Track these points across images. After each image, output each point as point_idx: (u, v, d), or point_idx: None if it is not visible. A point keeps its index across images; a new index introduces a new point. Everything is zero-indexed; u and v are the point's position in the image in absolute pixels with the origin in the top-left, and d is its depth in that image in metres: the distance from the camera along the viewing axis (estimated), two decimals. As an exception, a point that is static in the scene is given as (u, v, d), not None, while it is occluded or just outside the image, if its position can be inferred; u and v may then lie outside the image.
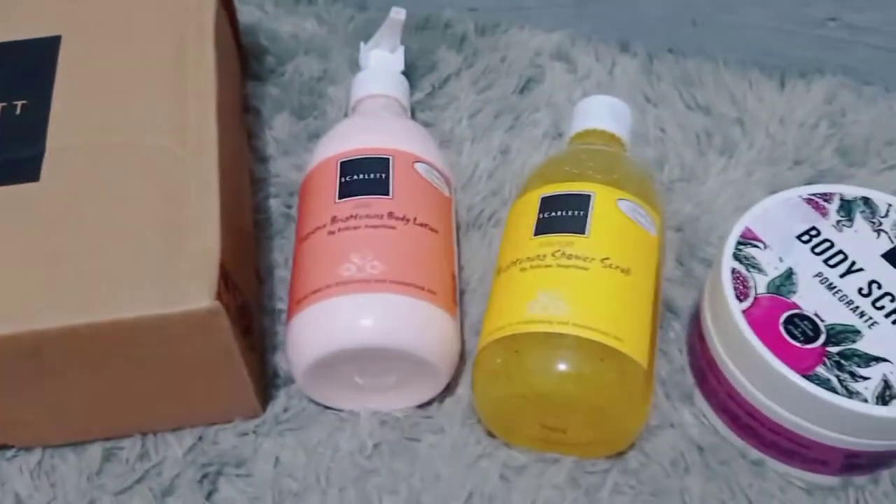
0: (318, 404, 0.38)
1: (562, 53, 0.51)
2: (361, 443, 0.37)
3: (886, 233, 0.36)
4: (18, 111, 0.36)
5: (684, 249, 0.43)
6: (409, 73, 0.49)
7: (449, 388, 0.38)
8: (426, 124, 0.48)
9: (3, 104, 0.36)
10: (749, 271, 0.35)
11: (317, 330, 0.34)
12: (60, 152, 0.35)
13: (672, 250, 0.43)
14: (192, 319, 0.31)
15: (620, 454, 0.36)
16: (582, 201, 0.37)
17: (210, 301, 0.31)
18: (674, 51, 0.50)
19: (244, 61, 0.50)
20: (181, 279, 0.31)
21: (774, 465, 0.36)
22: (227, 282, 0.35)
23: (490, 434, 0.37)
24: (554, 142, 0.47)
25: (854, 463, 0.34)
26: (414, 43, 0.50)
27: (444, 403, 0.38)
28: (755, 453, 0.36)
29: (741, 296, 0.34)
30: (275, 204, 0.45)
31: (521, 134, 0.47)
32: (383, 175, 0.37)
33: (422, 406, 0.38)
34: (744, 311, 0.33)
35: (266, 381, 0.39)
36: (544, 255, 0.35)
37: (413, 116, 0.48)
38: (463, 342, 0.39)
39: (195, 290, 0.31)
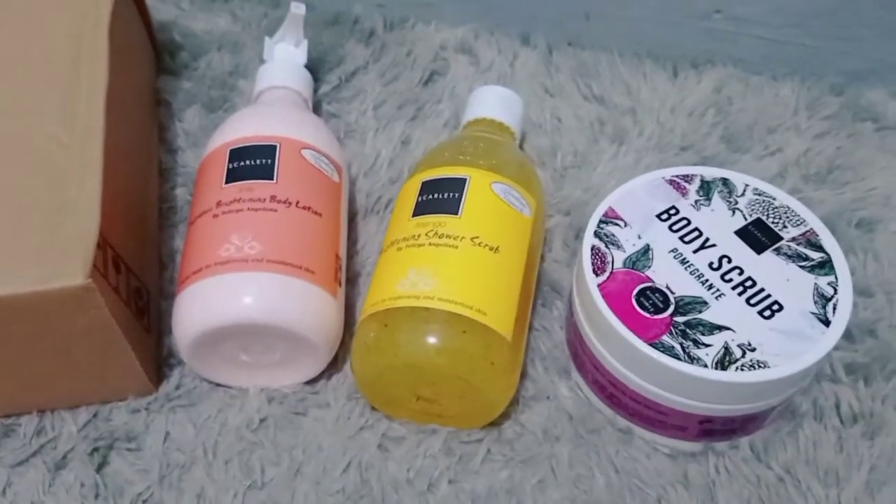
0: (210, 382, 0.40)
1: (465, 47, 0.52)
2: (249, 418, 0.38)
3: (741, 211, 0.38)
4: (-87, 101, 0.37)
5: (570, 233, 0.45)
6: (318, 66, 0.51)
7: (336, 365, 0.40)
8: (332, 115, 0.50)
9: None
10: (608, 248, 0.36)
11: (195, 308, 0.36)
12: (-49, 139, 0.36)
13: (560, 233, 0.45)
14: (67, 296, 0.33)
15: (497, 425, 0.38)
16: (457, 184, 0.38)
17: (83, 279, 0.32)
18: (573, 44, 0.52)
19: (158, 56, 0.52)
20: (58, 258, 0.33)
21: (641, 433, 0.38)
22: (117, 264, 0.37)
23: (374, 409, 0.39)
24: (454, 131, 0.49)
25: (710, 428, 0.36)
26: (324, 38, 0.52)
27: (331, 380, 0.40)
28: (623, 422, 0.38)
29: (598, 270, 0.36)
30: (181, 193, 0.46)
31: (422, 124, 0.49)
32: (269, 161, 0.39)
33: (310, 382, 0.40)
34: (599, 285, 0.35)
35: (160, 361, 0.40)
36: (418, 235, 0.37)
37: (319, 108, 0.50)
38: (353, 322, 0.41)
39: (70, 269, 0.32)
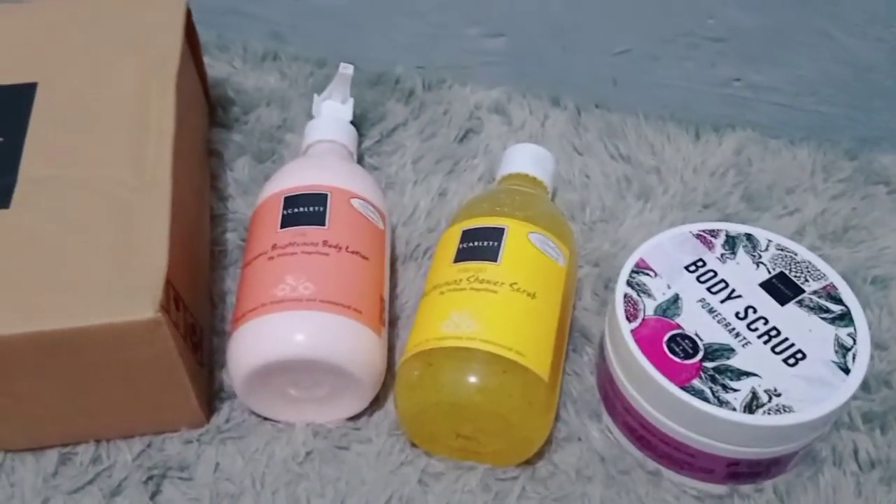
0: (257, 416, 0.42)
1: (499, 107, 0.56)
2: (295, 450, 0.40)
3: (765, 265, 0.40)
4: (-4, 147, 0.41)
5: (600, 283, 0.47)
6: (361, 122, 0.54)
7: (378, 402, 0.42)
8: (374, 168, 0.53)
9: (-17, 141, 0.41)
10: (640, 296, 0.39)
11: (252, 343, 0.38)
12: (30, 183, 0.39)
13: (589, 283, 0.47)
14: (136, 329, 0.35)
15: (531, 463, 0.40)
16: (496, 233, 0.41)
17: (153, 313, 0.35)
18: (600, 106, 0.55)
19: (212, 111, 0.55)
20: (129, 293, 0.35)
21: (669, 475, 0.39)
22: (177, 302, 0.39)
23: (413, 445, 0.41)
24: (488, 185, 0.52)
25: (736, 471, 0.38)
26: (367, 96, 0.56)
27: (372, 416, 0.42)
28: (652, 464, 0.40)
29: (630, 317, 0.38)
30: (231, 237, 0.49)
31: (458, 178, 0.52)
32: (321, 208, 0.42)
33: (352, 418, 0.42)
34: (632, 331, 0.37)
35: (212, 395, 0.42)
36: (460, 280, 0.40)
37: (362, 161, 0.53)
38: (394, 363, 0.43)
39: (140, 303, 0.35)
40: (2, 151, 0.40)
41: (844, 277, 0.41)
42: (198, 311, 0.43)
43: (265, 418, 0.42)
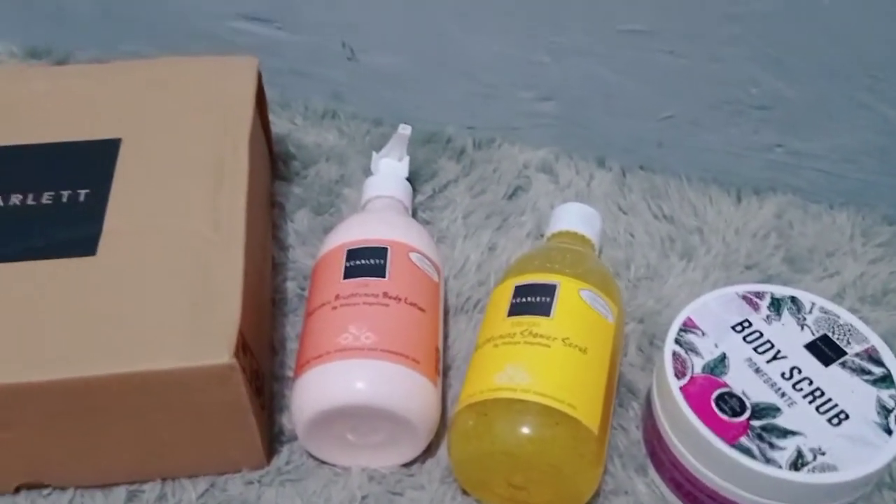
0: (315, 459, 0.43)
1: (546, 167, 0.58)
2: (351, 495, 0.42)
3: (809, 327, 0.41)
4: (82, 198, 0.43)
5: (644, 339, 0.49)
6: (414, 178, 0.57)
7: (430, 450, 0.44)
8: (426, 222, 0.55)
9: (70, 191, 0.44)
10: (688, 354, 0.40)
11: (315, 389, 0.40)
12: (115, 233, 0.42)
13: (634, 339, 0.49)
14: (211, 374, 0.37)
15: (578, 515, 0.41)
16: (549, 289, 0.43)
17: (229, 358, 0.37)
18: (644, 168, 0.57)
19: (274, 164, 0.58)
20: (205, 339, 0.38)
21: (714, 530, 0.41)
22: (245, 348, 0.42)
23: (464, 492, 0.42)
24: (536, 241, 0.54)
25: (781, 528, 0.39)
26: (420, 154, 0.58)
27: (425, 464, 0.43)
28: (697, 519, 0.41)
29: (679, 374, 0.40)
30: (291, 286, 0.51)
31: (507, 234, 0.54)
32: (381, 261, 0.44)
33: (406, 465, 0.43)
34: (681, 388, 0.39)
35: (272, 438, 0.44)
36: (514, 334, 0.42)
37: (415, 215, 0.55)
38: (445, 411, 0.45)
39: (217, 348, 0.37)
40: (89, 202, 0.43)
41: (884, 340, 0.43)
42: (261, 357, 0.45)
43: (323, 462, 0.43)
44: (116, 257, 0.41)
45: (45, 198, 0.43)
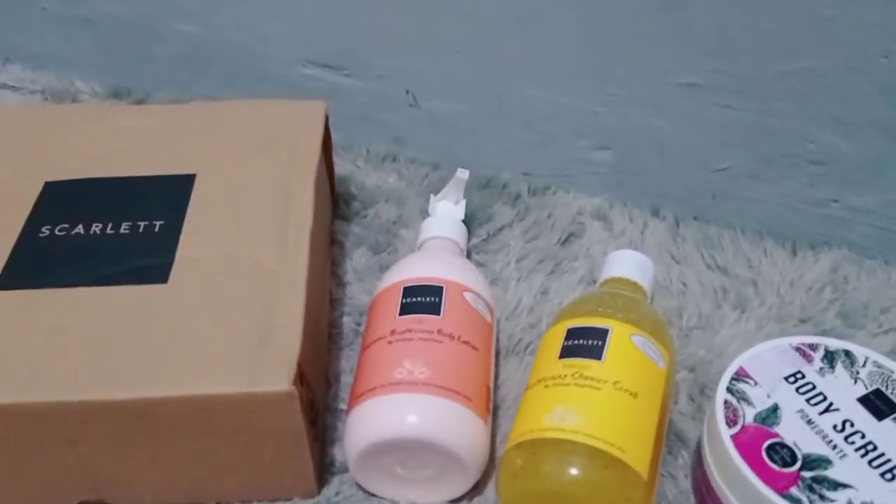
0: (365, 492, 0.44)
1: (600, 214, 0.59)
2: (398, 527, 0.43)
3: (863, 381, 0.41)
4: (157, 229, 0.46)
5: (696, 388, 0.49)
6: (470, 221, 0.58)
7: (478, 489, 0.44)
8: (480, 264, 0.56)
9: (146, 222, 0.46)
10: (739, 403, 0.40)
11: (369, 421, 0.41)
12: (186, 262, 0.44)
13: (685, 388, 0.49)
14: (271, 400, 0.39)
15: (624, 560, 0.41)
16: (601, 333, 0.44)
17: (288, 386, 0.39)
18: (698, 218, 0.58)
19: (336, 204, 0.60)
20: (267, 367, 0.39)
21: (763, 584, 0.40)
22: (302, 378, 0.43)
23: (510, 531, 0.43)
24: (588, 286, 0.55)
25: (832, 584, 0.38)
26: (476, 198, 0.60)
27: (472, 501, 0.44)
28: (746, 571, 0.40)
29: (731, 423, 0.40)
30: (347, 321, 0.53)
31: (560, 278, 0.55)
32: (437, 299, 0.45)
33: (454, 501, 0.44)
34: (732, 436, 0.39)
35: (324, 468, 0.45)
36: (565, 376, 0.42)
37: (469, 257, 0.57)
38: (494, 450, 0.45)
39: (277, 376, 0.39)
40: (163, 233, 0.46)
41: (941, 399, 0.42)
42: (316, 389, 0.46)
43: (372, 494, 0.44)
44: (186, 285, 0.43)
45: (123, 227, 0.46)
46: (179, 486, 0.43)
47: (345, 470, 0.45)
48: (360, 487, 0.44)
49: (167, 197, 0.48)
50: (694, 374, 0.49)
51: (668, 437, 0.46)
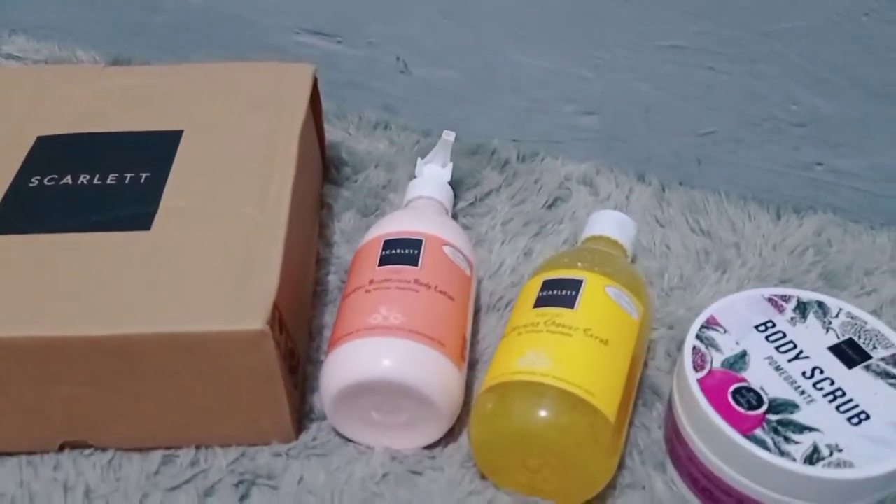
0: (342, 437, 0.45)
1: (587, 179, 0.60)
2: (373, 471, 0.43)
3: (835, 330, 0.41)
4: (143, 181, 0.47)
5: (673, 345, 0.49)
6: (458, 186, 0.59)
7: (454, 436, 0.45)
8: (466, 227, 0.57)
9: (132, 174, 0.47)
10: (708, 349, 0.41)
11: (344, 364, 0.42)
12: (169, 211, 0.45)
13: (664, 344, 0.49)
14: (245, 339, 0.40)
15: (594, 506, 0.42)
16: (575, 284, 0.44)
17: (262, 325, 0.39)
18: (684, 183, 0.58)
19: (326, 169, 0.61)
20: (242, 307, 0.40)
21: (731, 530, 0.40)
22: (281, 325, 0.44)
23: (483, 477, 0.43)
24: (572, 247, 0.55)
25: (799, 529, 0.38)
26: (465, 164, 0.61)
27: (447, 447, 0.45)
28: (714, 517, 0.41)
29: (698, 367, 0.40)
30: (332, 279, 0.54)
31: (544, 240, 0.56)
32: (415, 251, 0.46)
33: (428, 448, 0.44)
34: (699, 380, 0.39)
35: (302, 415, 0.46)
36: (538, 323, 0.43)
37: (456, 219, 0.57)
38: (470, 400, 0.46)
39: (251, 316, 0.40)
40: (149, 184, 0.47)
41: (921, 357, 0.42)
42: (297, 339, 0.47)
43: (348, 440, 0.45)
44: (168, 233, 0.44)
45: (110, 178, 0.47)
46: (159, 428, 0.44)
47: (323, 417, 0.46)
48: (338, 433, 0.45)
49: (154, 151, 0.49)
50: (672, 331, 0.50)
51: (643, 390, 0.47)
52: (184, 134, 0.50)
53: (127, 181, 0.47)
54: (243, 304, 0.40)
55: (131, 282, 0.42)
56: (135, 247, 0.43)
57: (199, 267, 0.42)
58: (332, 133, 0.63)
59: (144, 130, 0.50)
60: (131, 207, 0.45)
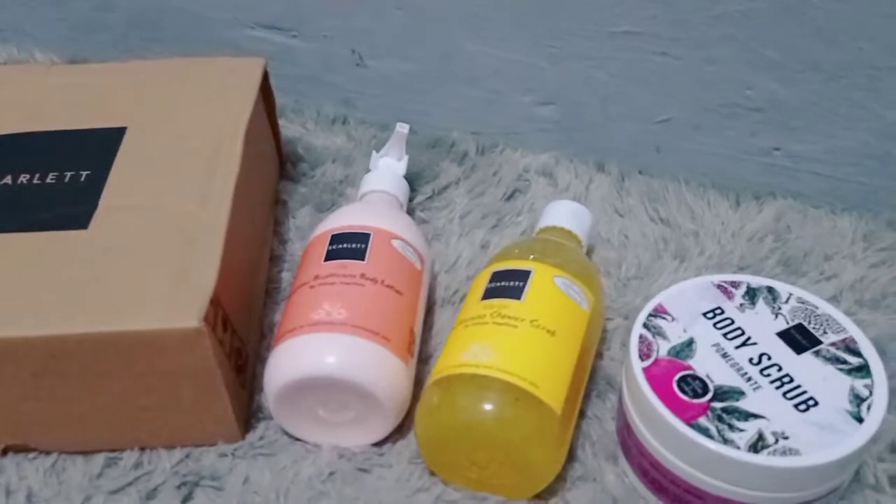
0: (289, 436, 0.44)
1: (546, 170, 0.59)
2: (320, 470, 0.42)
3: (784, 316, 0.41)
4: (83, 179, 0.46)
5: (628, 334, 0.48)
6: (416, 179, 0.58)
7: (402, 432, 0.44)
8: (423, 221, 0.56)
9: (73, 172, 0.46)
10: (655, 337, 0.40)
11: (284, 361, 0.41)
12: (108, 210, 0.44)
13: (619, 335, 0.48)
14: (181, 336, 0.39)
15: (544, 499, 0.41)
16: (523, 275, 0.43)
17: (197, 322, 0.38)
18: (643, 172, 0.57)
19: (283, 165, 0.60)
20: (178, 305, 0.39)
21: (682, 521, 0.39)
22: (225, 323, 0.43)
23: (432, 474, 0.42)
24: (524, 238, 0.54)
25: (749, 519, 0.38)
26: (424, 157, 0.60)
27: (396, 444, 0.44)
28: (665, 509, 0.40)
29: (644, 356, 0.39)
30: (286, 276, 0.53)
31: (501, 232, 0.55)
32: (363, 245, 0.45)
33: (377, 444, 0.44)
34: (644, 369, 0.39)
35: (250, 415, 0.45)
36: (484, 315, 0.42)
37: (413, 214, 0.56)
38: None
39: (187, 313, 0.39)
40: (88, 182, 0.46)
41: (878, 343, 0.41)
42: (246, 338, 0.46)
43: (296, 439, 0.44)
44: (106, 231, 0.43)
45: (50, 177, 0.46)
46: (102, 430, 0.43)
47: (272, 417, 0.45)
48: (286, 433, 0.44)
49: (96, 149, 0.48)
50: (628, 321, 0.49)
51: (596, 381, 0.46)
52: (127, 131, 0.49)
53: (67, 180, 0.46)
54: (179, 301, 0.40)
55: (66, 281, 0.41)
56: (71, 246, 0.43)
57: (136, 265, 0.42)
58: (289, 129, 0.62)
59: (87, 129, 0.49)
60: (69, 206, 0.45)
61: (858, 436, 0.35)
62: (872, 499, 0.40)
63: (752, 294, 0.42)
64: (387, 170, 0.55)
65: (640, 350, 0.39)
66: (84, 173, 0.46)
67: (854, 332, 0.40)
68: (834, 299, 0.49)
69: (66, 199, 0.45)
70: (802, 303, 0.41)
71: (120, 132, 0.49)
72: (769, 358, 0.39)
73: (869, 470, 0.40)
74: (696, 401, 0.37)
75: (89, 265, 0.42)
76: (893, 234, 0.52)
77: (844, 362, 0.38)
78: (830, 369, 0.38)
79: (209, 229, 0.43)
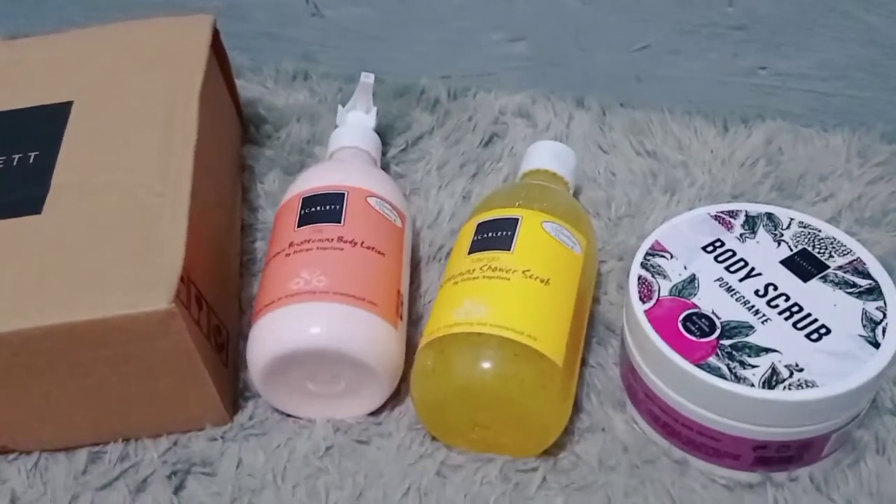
0: (280, 413, 0.42)
1: (523, 111, 0.56)
2: (315, 445, 0.40)
3: (786, 242, 0.39)
4: (31, 160, 0.43)
5: (625, 276, 0.46)
6: (387, 132, 0.55)
7: (399, 398, 0.42)
8: (400, 175, 0.53)
9: (20, 155, 0.43)
10: (654, 277, 0.38)
11: (266, 337, 0.39)
12: (61, 191, 0.41)
13: (615, 277, 0.46)
14: (152, 320, 0.36)
15: (552, 454, 0.39)
16: (510, 223, 0.41)
17: (167, 304, 0.36)
18: (625, 105, 0.55)
19: (245, 128, 0.57)
20: (146, 287, 0.37)
21: (696, 464, 0.38)
22: (199, 301, 0.40)
23: (434, 439, 0.40)
24: (506, 185, 0.52)
25: (765, 456, 0.36)
26: (393, 108, 0.57)
27: (393, 411, 0.42)
28: (678, 453, 0.38)
29: (645, 298, 0.37)
30: (260, 246, 0.50)
31: (482, 181, 0.52)
32: (337, 206, 0.43)
33: (373, 414, 0.42)
34: (646, 311, 0.37)
35: (236, 394, 0.43)
36: (473, 270, 0.40)
37: (388, 168, 0.54)
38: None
39: (156, 296, 0.36)
40: (38, 164, 0.42)
41: (884, 261, 0.40)
42: (224, 314, 0.44)
43: (287, 415, 0.42)
44: (61, 215, 0.40)
45: (-4, 162, 0.43)
46: (82, 425, 0.41)
47: (260, 394, 0.43)
48: (276, 410, 0.42)
49: (42, 127, 0.44)
50: (623, 262, 0.47)
51: (596, 327, 0.44)
52: (74, 105, 0.45)
53: (15, 163, 0.43)
54: (146, 282, 0.37)
55: (23, 272, 0.38)
56: (25, 233, 0.40)
57: (97, 248, 0.39)
58: (248, 89, 0.59)
59: (31, 106, 0.46)
60: (20, 191, 0.41)
61: (876, 361, 0.34)
62: (892, 423, 0.38)
63: (751, 222, 0.40)
64: (355, 124, 0.52)
65: (640, 292, 0.37)
66: (32, 154, 0.43)
67: (861, 252, 0.38)
68: (833, 220, 0.47)
69: (16, 184, 0.42)
70: (804, 227, 0.39)
71: (66, 107, 0.45)
72: (775, 288, 0.37)
73: (886, 394, 0.39)
74: (703, 340, 0.35)
75: (47, 252, 0.39)
76: (889, 148, 0.50)
77: (854, 285, 0.37)
78: (840, 294, 0.36)
79: (171, 203, 0.40)
